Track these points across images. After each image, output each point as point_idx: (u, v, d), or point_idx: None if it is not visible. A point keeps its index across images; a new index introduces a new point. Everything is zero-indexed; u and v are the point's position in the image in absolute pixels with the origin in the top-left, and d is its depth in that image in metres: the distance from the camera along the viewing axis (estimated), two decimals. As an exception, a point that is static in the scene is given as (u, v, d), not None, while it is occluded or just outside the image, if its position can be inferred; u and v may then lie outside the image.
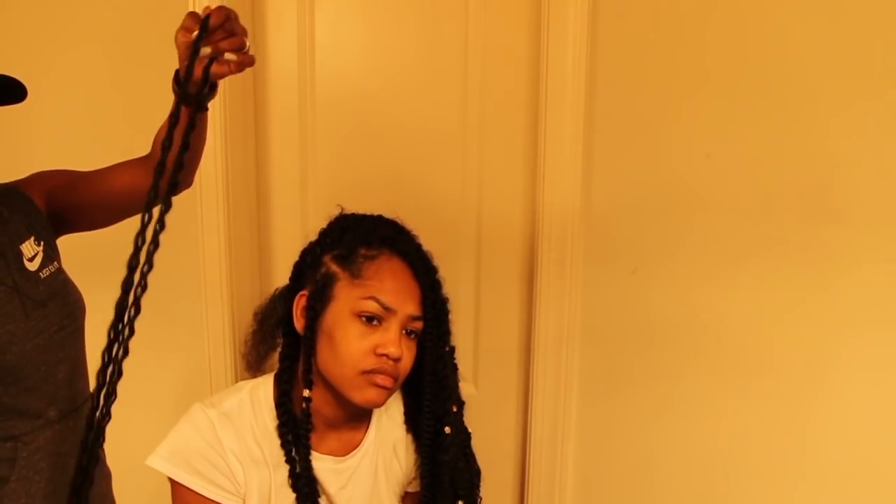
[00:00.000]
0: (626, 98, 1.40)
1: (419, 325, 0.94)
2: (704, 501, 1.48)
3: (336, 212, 1.04)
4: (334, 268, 0.94)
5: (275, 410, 0.95)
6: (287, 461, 0.93)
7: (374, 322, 0.90)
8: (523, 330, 1.60)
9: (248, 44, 0.91)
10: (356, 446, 1.00)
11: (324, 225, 1.04)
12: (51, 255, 1.06)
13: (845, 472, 1.37)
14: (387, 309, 0.90)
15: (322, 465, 0.96)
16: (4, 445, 0.99)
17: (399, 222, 1.00)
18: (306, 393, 0.93)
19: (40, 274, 1.03)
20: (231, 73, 0.91)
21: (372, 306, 0.90)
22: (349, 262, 0.93)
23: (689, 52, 1.36)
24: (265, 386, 0.98)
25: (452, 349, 1.00)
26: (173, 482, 0.91)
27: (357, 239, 0.95)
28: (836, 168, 1.30)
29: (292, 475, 0.93)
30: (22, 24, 1.61)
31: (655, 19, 1.37)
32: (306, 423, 0.93)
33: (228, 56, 0.89)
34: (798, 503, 1.42)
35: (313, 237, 1.03)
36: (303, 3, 1.61)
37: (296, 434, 0.93)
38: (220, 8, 0.89)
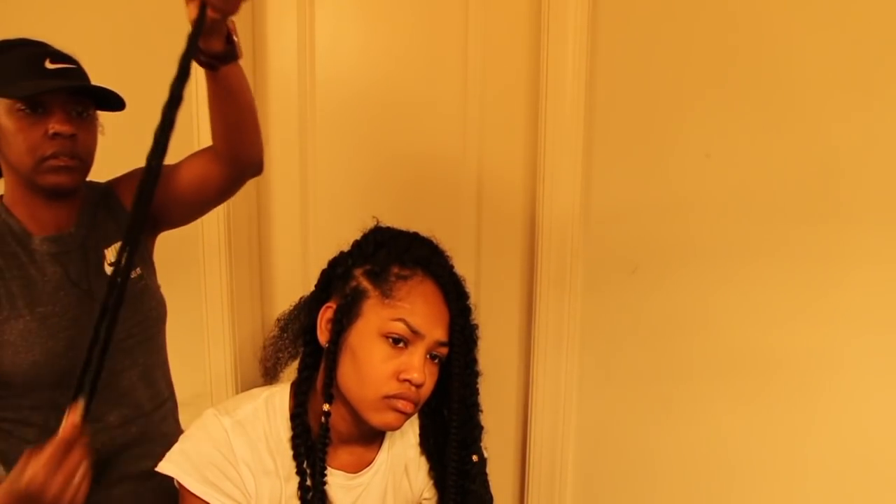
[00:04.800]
0: (626, 98, 1.40)
1: (444, 350, 0.92)
2: (704, 501, 1.48)
3: (371, 223, 1.00)
4: (365, 283, 0.91)
5: (289, 421, 0.93)
6: (298, 473, 0.92)
7: (400, 344, 0.88)
8: (523, 330, 1.60)
9: None
10: (369, 464, 0.98)
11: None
12: (134, 261, 1.05)
13: (846, 472, 1.37)
14: (415, 333, 0.88)
15: (333, 480, 0.94)
16: None
17: (434, 242, 0.97)
18: (326, 407, 0.90)
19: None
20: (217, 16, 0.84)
21: (400, 328, 0.87)
22: (381, 279, 0.90)
23: (689, 52, 1.36)
24: (281, 395, 0.96)
25: (478, 375, 0.97)
26: (183, 488, 0.89)
27: (391, 256, 0.92)
28: (836, 168, 1.30)
29: (302, 488, 0.91)
30: (22, 24, 1.61)
31: (655, 19, 1.37)
32: (324, 437, 0.90)
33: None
34: (799, 501, 1.42)
35: (335, 242, 0.99)
36: (303, 3, 1.61)
37: (309, 447, 0.92)
38: None
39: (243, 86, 1.01)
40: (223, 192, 1.14)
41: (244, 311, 1.66)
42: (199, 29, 0.81)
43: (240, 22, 1.56)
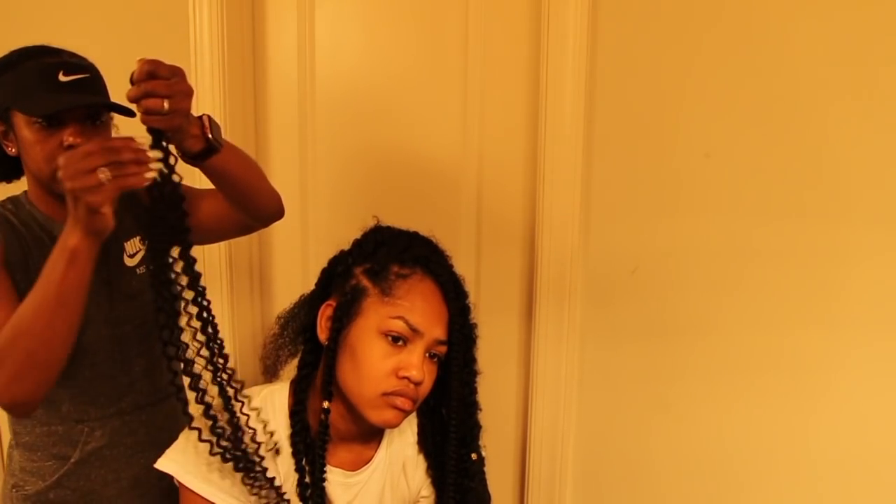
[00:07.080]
0: (626, 98, 1.40)
1: (443, 349, 0.92)
2: (704, 501, 1.48)
3: (372, 222, 1.01)
4: (365, 282, 0.92)
5: (289, 419, 0.94)
6: (297, 470, 0.92)
7: (399, 342, 0.89)
8: (523, 329, 1.60)
9: (165, 105, 0.81)
10: (367, 462, 0.98)
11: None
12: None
13: (845, 472, 1.37)
14: (414, 331, 0.89)
15: (332, 477, 0.95)
16: (75, 427, 1.07)
17: (434, 241, 0.98)
18: (325, 405, 0.91)
19: (137, 270, 1.11)
20: (160, 123, 0.83)
21: (399, 326, 0.88)
22: (381, 278, 0.91)
23: (689, 52, 1.36)
24: (280, 393, 0.96)
25: (477, 374, 0.98)
26: (183, 487, 0.90)
27: (391, 255, 0.93)
28: (837, 168, 1.30)
29: (301, 485, 0.92)
30: (22, 26, 1.61)
31: (655, 19, 1.37)
32: (323, 435, 0.91)
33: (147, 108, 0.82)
34: (798, 502, 1.42)
35: (339, 242, 1.00)
36: (303, 3, 1.61)
37: (308, 445, 0.92)
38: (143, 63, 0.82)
39: (239, 164, 1.03)
40: (243, 231, 1.20)
41: (244, 310, 1.66)
42: (166, 162, 0.83)
43: (240, 22, 1.57)
